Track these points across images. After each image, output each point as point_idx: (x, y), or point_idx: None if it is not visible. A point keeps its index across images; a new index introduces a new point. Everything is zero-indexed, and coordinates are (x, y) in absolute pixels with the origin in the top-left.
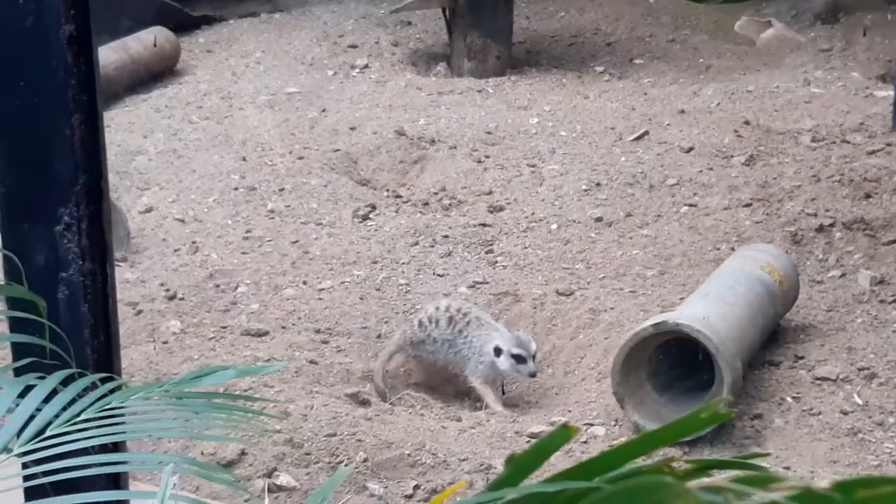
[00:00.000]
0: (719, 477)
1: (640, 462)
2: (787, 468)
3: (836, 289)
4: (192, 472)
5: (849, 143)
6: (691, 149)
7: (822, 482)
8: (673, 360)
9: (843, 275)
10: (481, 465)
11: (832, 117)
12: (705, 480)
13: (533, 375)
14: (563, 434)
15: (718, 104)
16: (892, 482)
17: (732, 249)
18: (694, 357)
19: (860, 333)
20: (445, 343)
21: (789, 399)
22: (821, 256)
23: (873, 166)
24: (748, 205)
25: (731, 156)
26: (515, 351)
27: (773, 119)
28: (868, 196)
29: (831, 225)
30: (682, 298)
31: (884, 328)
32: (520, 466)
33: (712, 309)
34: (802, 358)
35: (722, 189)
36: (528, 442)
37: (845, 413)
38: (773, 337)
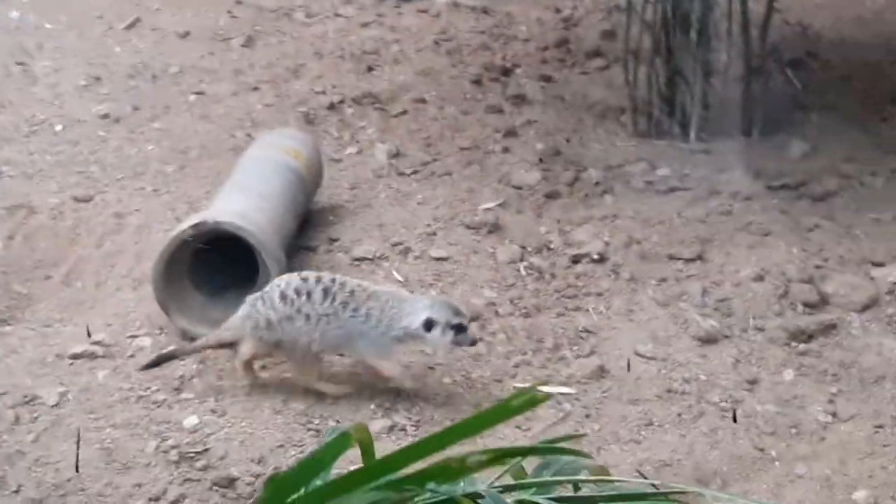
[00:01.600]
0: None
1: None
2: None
3: (355, 165)
4: None
5: (342, 16)
6: (188, 33)
7: None
8: (211, 256)
9: (359, 151)
10: (25, 397)
11: None
12: None
13: (474, 344)
14: (342, 443)
15: None
16: None
17: (248, 136)
18: (233, 251)
19: (387, 208)
20: (322, 319)
21: None
22: (336, 134)
23: (369, 38)
24: (256, 88)
25: (230, 38)
26: (456, 321)
27: None
28: (370, 69)
29: (341, 101)
30: (207, 192)
31: (408, 200)
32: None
33: (248, 202)
34: (337, 240)
35: (227, 74)
36: (70, 365)
37: None
38: (304, 221)
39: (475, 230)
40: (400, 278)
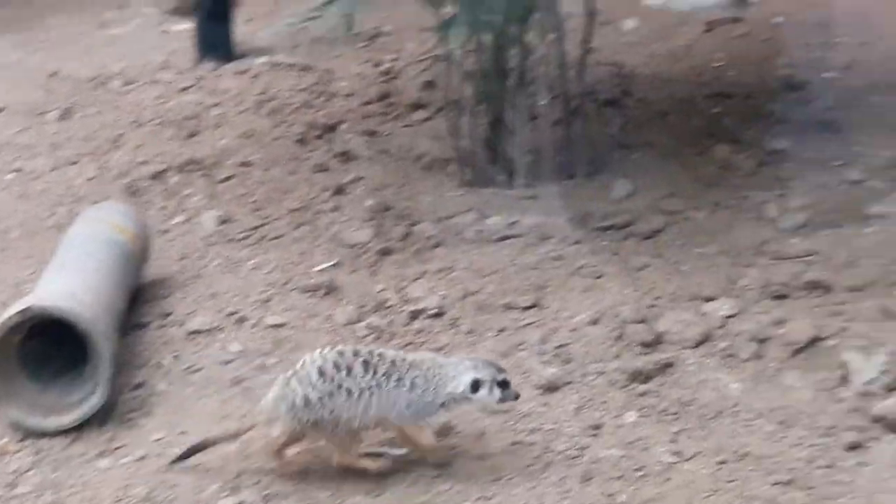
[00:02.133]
0: None
1: None
2: (184, 432)
3: (183, 235)
4: None
5: (159, 82)
6: (1, 109)
7: None
8: (40, 341)
9: (187, 219)
10: None
11: (136, 58)
12: None
13: (517, 398)
14: None
15: (18, 58)
16: None
17: (71, 212)
18: (61, 334)
19: (218, 277)
20: (366, 392)
21: (167, 360)
22: (161, 204)
23: (189, 103)
24: (76, 162)
25: (46, 111)
26: (500, 377)
27: (79, 67)
28: (192, 135)
29: (164, 170)
30: (32, 273)
31: (239, 268)
32: None
33: (75, 282)
34: (170, 314)
35: (45, 149)
36: None
37: (226, 363)
38: (134, 297)
39: (311, 293)
40: (238, 348)
